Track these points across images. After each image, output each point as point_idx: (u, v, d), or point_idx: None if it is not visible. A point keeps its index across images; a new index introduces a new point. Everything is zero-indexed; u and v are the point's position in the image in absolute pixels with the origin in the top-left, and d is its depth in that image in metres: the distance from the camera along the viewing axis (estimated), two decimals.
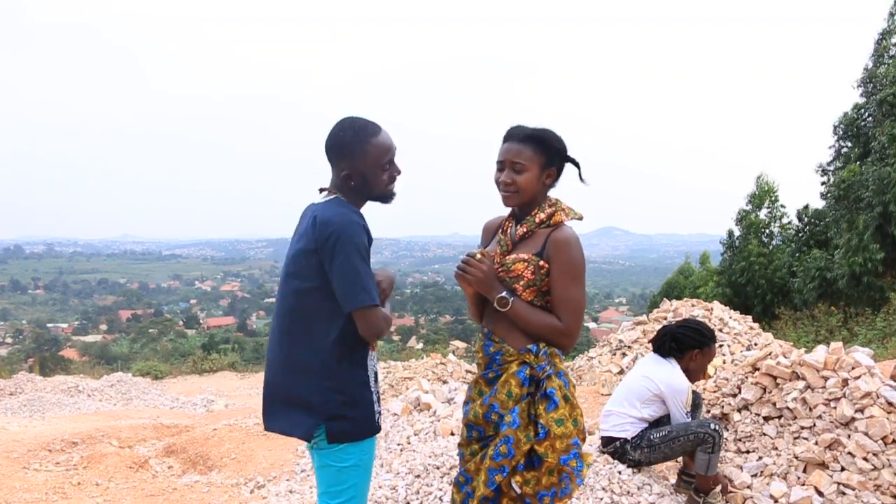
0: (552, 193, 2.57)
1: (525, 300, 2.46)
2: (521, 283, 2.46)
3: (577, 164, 2.54)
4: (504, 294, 2.46)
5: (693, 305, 8.78)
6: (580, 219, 2.53)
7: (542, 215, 2.51)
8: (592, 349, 9.00)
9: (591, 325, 72.06)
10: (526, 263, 2.46)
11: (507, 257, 2.51)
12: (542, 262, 2.45)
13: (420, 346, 33.21)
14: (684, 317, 8.24)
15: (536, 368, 2.42)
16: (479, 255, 2.52)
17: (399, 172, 2.52)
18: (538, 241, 2.50)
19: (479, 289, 2.50)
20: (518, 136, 2.48)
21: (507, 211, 2.68)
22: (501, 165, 2.51)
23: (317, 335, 2.35)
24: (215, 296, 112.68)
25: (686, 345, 4.08)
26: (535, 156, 2.47)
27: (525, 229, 2.53)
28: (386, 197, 2.53)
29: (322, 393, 2.34)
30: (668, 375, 4.01)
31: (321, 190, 2.55)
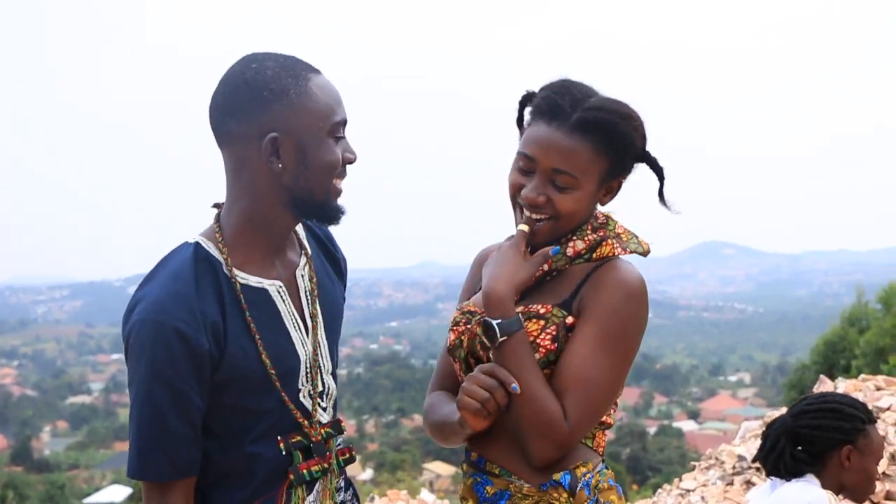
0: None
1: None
2: (535, 356, 1.49)
3: (658, 171, 1.55)
4: (508, 320, 1.44)
5: (879, 388, 5.13)
6: (644, 253, 1.56)
7: (581, 243, 1.53)
8: (688, 474, 5.43)
9: (686, 425, 44.72)
10: (542, 322, 1.48)
11: None
12: (570, 319, 1.48)
13: (367, 474, 26.62)
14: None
15: None
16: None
17: (354, 157, 1.46)
18: (569, 281, 1.53)
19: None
20: (567, 118, 1.46)
21: (510, 229, 1.61)
22: (530, 165, 1.50)
23: None
24: None
25: (822, 443, 2.36)
26: (596, 158, 1.48)
27: (547, 267, 1.53)
28: (329, 205, 1.43)
29: None
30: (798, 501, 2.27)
31: (218, 207, 1.48)
